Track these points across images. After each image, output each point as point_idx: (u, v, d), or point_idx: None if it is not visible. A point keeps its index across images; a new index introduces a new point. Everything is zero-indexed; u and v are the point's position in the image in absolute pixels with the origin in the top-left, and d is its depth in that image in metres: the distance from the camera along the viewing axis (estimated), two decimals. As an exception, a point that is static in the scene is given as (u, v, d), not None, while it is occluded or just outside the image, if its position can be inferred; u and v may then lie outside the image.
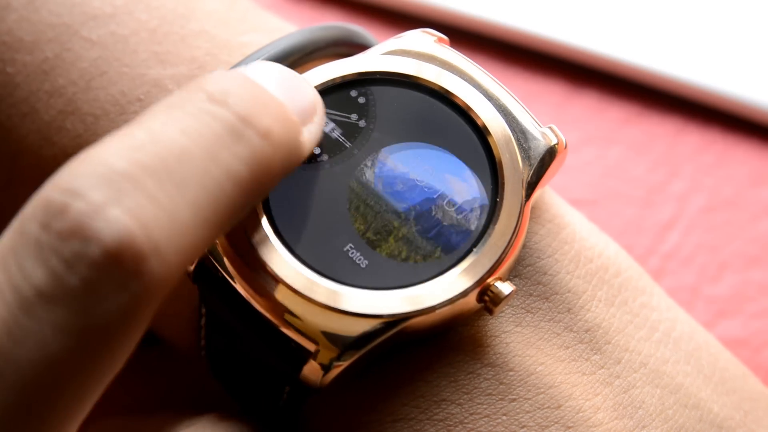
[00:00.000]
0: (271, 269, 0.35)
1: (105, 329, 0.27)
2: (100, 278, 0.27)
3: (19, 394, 0.27)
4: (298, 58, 0.39)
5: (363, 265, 0.35)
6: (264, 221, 0.35)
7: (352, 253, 0.35)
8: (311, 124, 0.34)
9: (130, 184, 0.28)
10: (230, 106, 0.31)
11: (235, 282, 0.35)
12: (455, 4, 0.59)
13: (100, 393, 0.29)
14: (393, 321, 0.35)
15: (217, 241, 0.36)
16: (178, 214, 0.29)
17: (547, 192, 0.39)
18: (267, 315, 0.35)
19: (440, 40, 0.39)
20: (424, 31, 0.39)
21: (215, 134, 0.30)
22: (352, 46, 0.41)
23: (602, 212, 0.55)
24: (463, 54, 0.39)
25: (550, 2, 0.60)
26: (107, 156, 0.29)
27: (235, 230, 0.35)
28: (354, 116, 0.37)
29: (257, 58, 0.38)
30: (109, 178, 0.28)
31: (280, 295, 0.35)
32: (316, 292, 0.34)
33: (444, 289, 0.35)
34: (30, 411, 0.27)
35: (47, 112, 0.40)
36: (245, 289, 0.35)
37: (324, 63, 0.39)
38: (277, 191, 0.36)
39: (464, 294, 0.35)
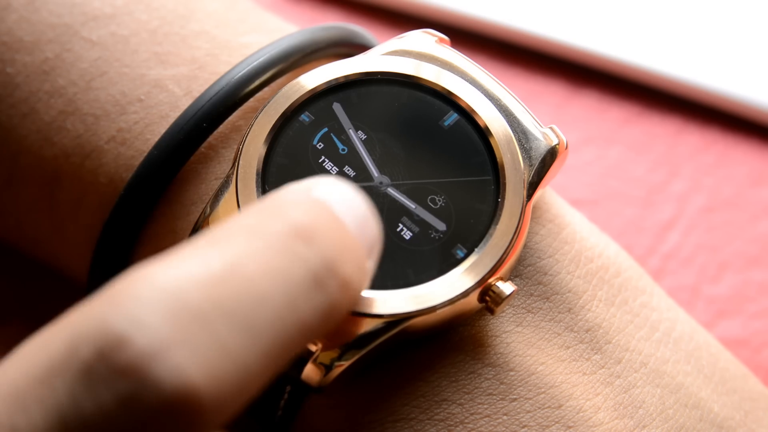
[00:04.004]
0: None
1: None
2: (151, 425, 0.25)
3: None
4: (298, 58, 0.39)
5: None
6: None
7: None
8: (371, 261, 0.32)
9: (200, 325, 0.26)
10: (317, 249, 0.29)
11: None
12: (455, 4, 0.59)
13: None
14: (394, 321, 0.35)
15: None
16: (246, 365, 0.26)
17: (547, 192, 0.40)
18: None
19: (441, 40, 0.39)
20: (425, 32, 0.39)
21: (299, 280, 0.28)
22: (352, 47, 0.41)
23: (602, 212, 0.55)
24: (464, 54, 0.39)
25: (550, 2, 0.60)
26: (179, 285, 0.26)
27: None
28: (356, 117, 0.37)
29: (258, 59, 0.38)
30: (179, 314, 0.26)
31: None
32: None
33: (445, 289, 0.35)
34: None
35: (47, 113, 0.40)
36: None
37: (325, 63, 0.39)
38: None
39: (465, 294, 0.35)
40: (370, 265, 0.31)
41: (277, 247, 0.28)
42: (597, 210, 0.55)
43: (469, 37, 0.60)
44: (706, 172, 0.56)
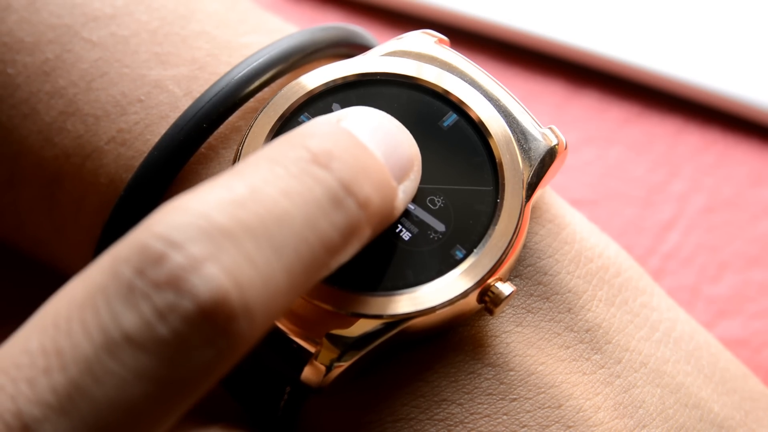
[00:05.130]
0: None
1: (186, 381, 0.28)
2: (190, 332, 0.27)
3: (91, 431, 0.27)
4: (298, 59, 0.39)
5: (364, 266, 0.35)
6: None
7: (356, 256, 0.35)
8: (407, 181, 0.34)
9: (229, 242, 0.28)
10: (334, 171, 0.31)
11: None
12: (455, 5, 0.59)
13: None
14: (394, 321, 0.35)
15: None
16: (272, 278, 0.29)
17: (547, 192, 0.40)
18: None
19: (441, 41, 0.39)
20: (424, 32, 0.39)
21: (316, 200, 0.30)
22: (352, 47, 0.41)
23: (602, 212, 0.55)
24: (464, 54, 0.39)
25: (550, 2, 0.60)
26: (208, 209, 0.29)
27: None
28: None
29: (258, 59, 0.39)
30: (209, 232, 0.28)
31: None
32: (317, 294, 0.34)
33: (445, 289, 0.35)
34: None
35: (48, 113, 0.40)
36: None
37: (325, 64, 0.39)
38: None
39: (465, 295, 0.35)
40: (405, 186, 0.34)
41: (295, 171, 0.30)
42: (597, 210, 0.55)
43: (469, 37, 0.60)
44: (706, 172, 0.56)
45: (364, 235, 0.32)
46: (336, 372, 0.35)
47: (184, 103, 0.39)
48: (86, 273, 0.29)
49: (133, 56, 0.40)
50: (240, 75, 0.38)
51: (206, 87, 0.39)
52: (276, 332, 0.35)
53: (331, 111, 0.37)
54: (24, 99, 0.41)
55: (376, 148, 0.33)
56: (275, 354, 0.36)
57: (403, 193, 0.34)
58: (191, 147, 0.38)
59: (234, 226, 0.28)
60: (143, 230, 0.28)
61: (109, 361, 0.27)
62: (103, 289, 0.28)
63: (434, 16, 0.60)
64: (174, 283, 0.27)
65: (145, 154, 0.38)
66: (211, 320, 0.27)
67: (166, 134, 0.38)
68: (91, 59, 0.40)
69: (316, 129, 0.32)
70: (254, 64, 0.38)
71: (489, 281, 0.35)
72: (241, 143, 0.37)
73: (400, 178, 0.34)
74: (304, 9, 0.61)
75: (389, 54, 0.39)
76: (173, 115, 0.39)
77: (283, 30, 0.42)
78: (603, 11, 0.59)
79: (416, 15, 0.60)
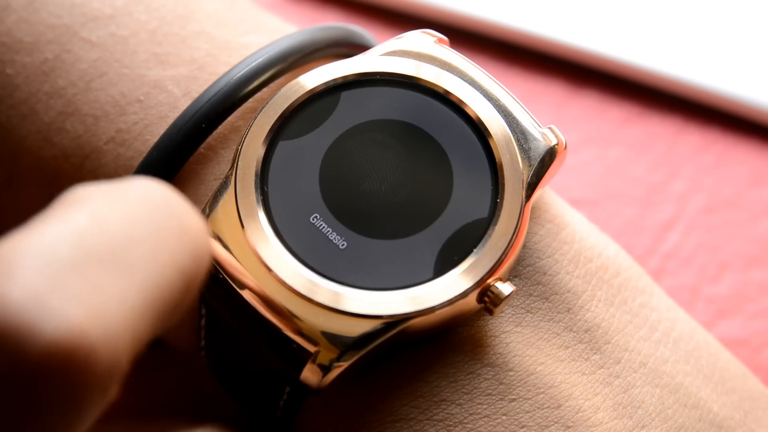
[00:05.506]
0: (272, 270, 0.35)
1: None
2: (42, 381, 0.24)
3: None
4: (297, 58, 0.39)
5: (364, 265, 0.35)
6: (264, 221, 0.35)
7: (354, 258, 0.35)
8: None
9: (74, 272, 0.26)
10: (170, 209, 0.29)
11: (242, 290, 0.35)
12: (455, 5, 0.59)
13: None
14: (393, 321, 0.35)
15: (216, 243, 0.36)
16: (127, 301, 0.26)
17: (547, 192, 0.40)
18: (267, 316, 0.35)
19: (440, 40, 0.39)
20: (423, 32, 0.39)
21: (158, 223, 0.28)
22: (351, 47, 0.41)
23: (602, 212, 0.55)
24: (464, 54, 0.39)
25: (550, 2, 0.60)
26: (48, 242, 0.26)
27: (235, 231, 0.35)
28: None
29: (257, 59, 0.39)
30: (52, 266, 0.25)
31: (281, 296, 0.35)
32: (316, 293, 0.34)
33: (444, 289, 0.35)
34: None
35: (47, 114, 0.40)
36: (252, 297, 0.35)
37: (324, 64, 0.39)
38: (278, 191, 0.36)
39: (464, 295, 0.35)
40: None
41: (133, 201, 0.28)
42: (597, 210, 0.55)
43: (469, 37, 0.60)
44: (706, 172, 0.56)
45: (207, 255, 0.30)
46: (335, 372, 0.35)
47: (183, 104, 0.39)
48: None
49: (132, 56, 0.40)
50: (239, 75, 0.38)
51: (205, 87, 0.39)
52: (275, 332, 0.35)
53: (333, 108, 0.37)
54: (23, 99, 0.41)
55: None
56: (275, 354, 0.36)
57: None
58: (190, 147, 0.38)
59: (79, 256, 0.26)
60: None
61: None
62: None
63: (434, 16, 0.60)
64: (14, 328, 0.24)
65: (144, 155, 0.38)
66: (66, 361, 0.24)
67: (164, 134, 0.38)
68: (90, 59, 0.40)
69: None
70: (253, 64, 0.38)
71: (489, 281, 0.35)
72: (241, 143, 0.37)
73: None
74: (304, 9, 0.61)
75: (389, 53, 0.39)
76: (172, 116, 0.39)
77: (283, 30, 0.42)
78: (603, 11, 0.59)
79: (416, 15, 0.60)
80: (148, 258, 0.27)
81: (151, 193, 0.29)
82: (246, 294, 0.35)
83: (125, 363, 0.26)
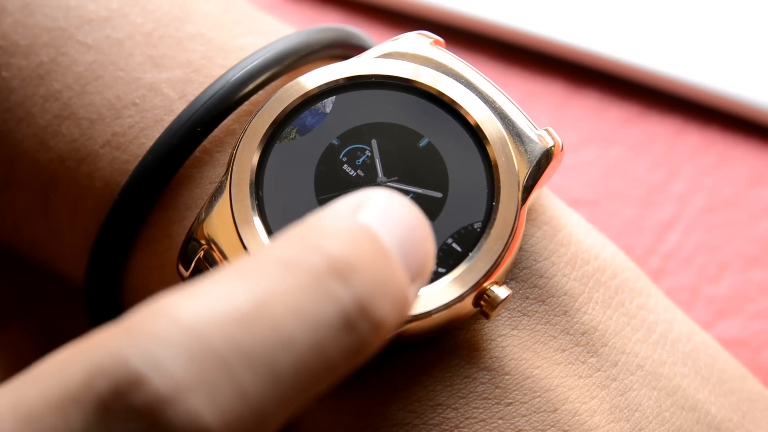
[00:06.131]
0: None
1: None
2: None
3: None
4: (293, 61, 0.39)
5: None
6: (259, 226, 0.35)
7: None
8: (419, 282, 0.30)
9: (219, 369, 0.25)
10: (352, 288, 0.27)
11: None
12: (455, 5, 0.59)
13: None
14: None
15: (214, 247, 0.36)
16: (265, 410, 0.26)
17: (544, 193, 0.39)
18: None
19: (436, 42, 0.39)
20: (420, 34, 0.39)
21: (328, 323, 0.27)
22: (348, 48, 0.41)
23: (602, 212, 0.54)
24: (463, 54, 0.39)
25: (550, 2, 0.59)
26: (201, 324, 0.26)
27: (230, 236, 0.35)
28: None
29: (252, 62, 0.38)
30: (198, 356, 0.25)
31: None
32: None
33: (440, 293, 0.35)
34: None
35: (43, 117, 0.40)
36: None
37: (321, 65, 0.39)
38: (273, 196, 0.36)
39: (460, 299, 0.35)
40: (413, 291, 0.30)
41: (308, 284, 0.27)
42: (597, 210, 0.54)
43: (468, 37, 0.60)
44: (706, 172, 0.56)
45: (369, 354, 0.28)
46: (331, 376, 0.35)
47: (179, 107, 0.39)
48: (63, 364, 0.26)
49: (128, 59, 0.40)
50: (234, 78, 0.38)
51: (201, 90, 0.39)
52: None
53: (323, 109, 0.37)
54: (19, 102, 0.40)
55: (397, 251, 0.29)
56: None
57: (416, 291, 0.30)
58: (186, 151, 0.38)
59: (228, 350, 0.25)
60: (126, 337, 0.26)
61: None
62: (78, 400, 0.25)
63: (434, 16, 0.60)
64: (151, 414, 0.25)
65: (140, 158, 0.38)
66: None
67: (160, 138, 0.38)
68: (86, 62, 0.40)
69: (334, 225, 0.29)
70: (248, 67, 0.38)
71: (485, 285, 0.35)
72: (236, 147, 0.36)
73: (416, 279, 0.30)
74: (303, 9, 0.60)
75: (384, 55, 0.38)
76: (168, 119, 0.39)
77: (279, 31, 0.42)
78: (603, 11, 0.59)
79: (416, 15, 0.60)
80: (299, 364, 0.26)
81: (346, 268, 0.28)
82: None
83: None
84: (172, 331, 0.26)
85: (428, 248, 0.30)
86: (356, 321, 0.27)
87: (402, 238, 0.29)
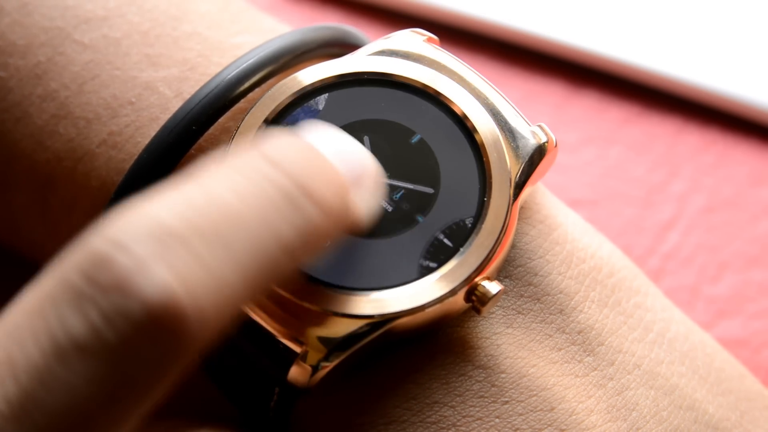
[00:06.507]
0: None
1: (136, 384, 0.27)
2: (137, 335, 0.27)
3: None
4: (289, 59, 0.39)
5: (350, 265, 0.35)
6: None
7: (339, 252, 0.35)
8: (364, 191, 0.34)
9: (178, 242, 0.28)
10: (287, 171, 0.31)
11: None
12: (455, 4, 0.59)
13: None
14: (380, 321, 0.34)
15: None
16: (223, 277, 0.28)
17: (539, 191, 0.39)
18: (253, 316, 0.35)
19: (430, 39, 0.39)
20: (413, 31, 0.39)
21: (270, 199, 0.30)
22: (344, 47, 0.41)
23: (602, 212, 0.54)
24: (463, 54, 0.39)
25: (550, 2, 0.59)
26: (158, 210, 0.28)
27: None
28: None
29: (248, 61, 0.38)
30: (157, 234, 0.28)
31: (270, 298, 0.35)
32: (302, 294, 0.34)
33: (431, 288, 0.35)
34: None
35: (40, 117, 0.40)
36: None
37: (317, 63, 0.39)
38: None
39: (452, 293, 0.35)
40: (363, 195, 0.33)
41: (249, 173, 0.30)
42: (597, 210, 0.54)
43: (468, 37, 0.60)
44: (706, 172, 0.56)
45: (322, 234, 0.31)
46: (323, 372, 0.35)
47: (175, 105, 0.39)
48: (39, 280, 0.28)
49: (125, 58, 0.40)
50: (230, 76, 0.38)
51: (197, 88, 0.39)
52: (263, 333, 0.35)
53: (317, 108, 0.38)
54: (16, 102, 0.41)
55: (331, 155, 0.32)
56: (263, 355, 0.35)
57: (361, 200, 0.33)
58: (181, 149, 0.38)
59: (183, 227, 0.28)
60: (93, 234, 0.28)
61: (59, 368, 0.27)
62: (52, 296, 0.27)
63: (434, 16, 0.60)
64: (120, 286, 0.27)
65: (136, 157, 0.38)
66: (158, 321, 0.27)
67: (155, 137, 0.38)
68: (83, 62, 0.40)
69: (272, 137, 0.32)
70: (244, 65, 0.38)
71: (476, 280, 0.35)
72: (229, 144, 0.37)
73: (356, 185, 0.33)
74: (303, 9, 0.61)
75: (377, 53, 0.38)
76: (164, 117, 0.39)
77: (276, 30, 0.42)
78: (603, 11, 0.59)
79: (415, 15, 0.60)
80: (252, 236, 0.29)
81: (278, 157, 0.31)
82: None
83: (211, 333, 0.28)
84: (133, 219, 0.28)
85: (364, 161, 0.34)
86: (296, 196, 0.30)
87: (334, 148, 0.33)
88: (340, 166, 0.32)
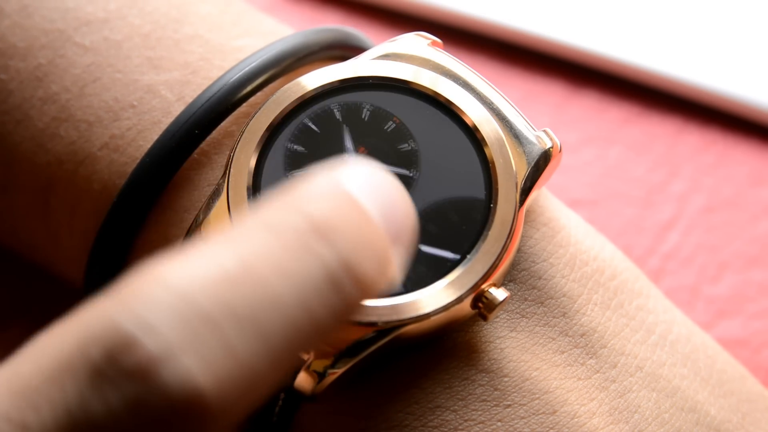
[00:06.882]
0: None
1: None
2: (156, 426, 0.26)
3: None
4: (291, 62, 0.39)
5: None
6: None
7: None
8: (403, 246, 0.31)
9: (210, 329, 0.26)
10: (336, 248, 0.28)
11: None
12: (455, 5, 0.59)
13: None
14: (387, 328, 0.34)
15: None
16: (255, 368, 0.26)
17: (542, 194, 0.39)
18: None
19: (434, 43, 0.39)
20: (417, 35, 0.39)
21: (313, 281, 0.28)
22: (347, 49, 0.41)
23: (602, 212, 0.54)
24: (463, 54, 0.39)
25: (550, 2, 0.59)
26: (190, 287, 0.26)
27: None
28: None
29: (250, 64, 0.38)
30: (188, 318, 0.26)
31: None
32: None
33: (438, 295, 0.35)
34: None
35: (41, 119, 0.40)
36: None
37: (319, 66, 0.39)
38: (270, 191, 0.36)
39: (458, 301, 0.35)
40: (396, 254, 0.30)
41: (292, 244, 0.28)
42: (597, 210, 0.54)
43: (468, 37, 0.60)
44: (706, 172, 0.56)
45: (355, 311, 0.29)
46: (329, 379, 0.35)
47: (177, 108, 0.39)
48: (57, 336, 0.26)
49: (126, 61, 0.40)
50: (232, 80, 0.38)
51: (199, 92, 0.39)
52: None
53: (331, 111, 0.37)
54: (17, 105, 0.40)
55: (377, 214, 0.30)
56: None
57: (399, 257, 0.30)
58: (183, 153, 0.38)
59: (217, 311, 0.26)
60: (116, 304, 0.26)
61: None
62: (72, 369, 0.26)
63: (434, 16, 0.60)
64: (144, 375, 0.25)
65: (138, 161, 0.38)
66: (180, 417, 0.25)
67: (157, 141, 0.38)
68: (84, 64, 0.40)
69: (315, 190, 0.29)
70: (246, 68, 0.38)
71: (483, 287, 0.35)
72: (233, 149, 0.36)
73: (397, 242, 0.30)
74: (303, 9, 0.60)
75: (382, 57, 0.38)
76: (166, 121, 0.39)
77: (277, 32, 0.42)
78: (603, 11, 0.59)
79: (416, 15, 0.60)
80: (287, 322, 0.27)
81: (325, 225, 0.28)
82: None
83: (234, 416, 0.27)
84: (162, 294, 0.26)
85: (408, 212, 0.31)
86: (340, 278, 0.28)
87: (381, 201, 0.30)
88: (387, 227, 0.30)
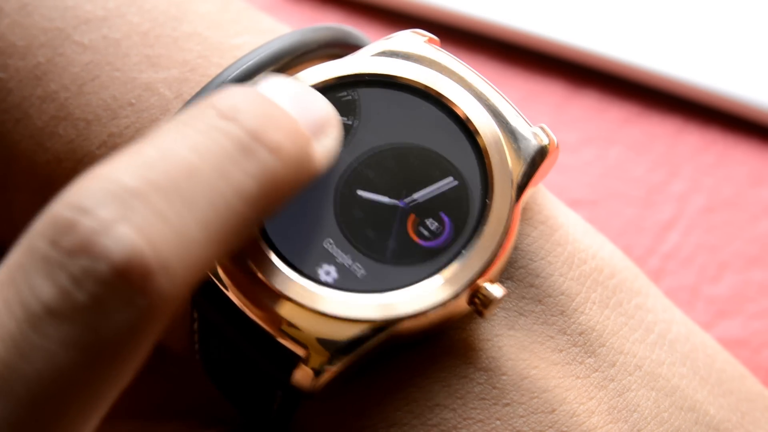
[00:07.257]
0: (265, 279, 0.35)
1: (112, 344, 0.28)
2: (107, 294, 0.27)
3: (28, 408, 0.27)
4: (289, 60, 0.39)
5: (353, 269, 0.35)
6: None
7: (342, 257, 0.35)
8: (324, 138, 0.34)
9: (138, 201, 0.28)
10: (240, 122, 0.31)
11: (227, 290, 0.35)
12: (455, 5, 0.59)
13: (108, 405, 0.29)
14: (384, 325, 0.34)
15: None
16: (186, 232, 0.29)
17: (540, 192, 0.39)
18: (258, 321, 0.35)
19: (430, 40, 0.39)
20: (414, 32, 0.39)
21: (225, 151, 0.30)
22: (345, 47, 0.41)
23: (602, 212, 0.54)
24: (463, 54, 0.39)
25: (550, 2, 0.59)
26: (117, 173, 0.29)
27: None
28: (343, 119, 0.37)
29: (248, 62, 0.38)
30: (118, 194, 0.28)
31: (272, 301, 0.35)
32: (306, 297, 0.34)
33: (435, 292, 0.35)
34: (39, 424, 0.27)
35: (40, 118, 0.40)
36: (237, 297, 0.35)
37: (317, 64, 0.39)
38: None
39: (454, 297, 0.35)
40: (324, 143, 0.34)
41: (202, 128, 0.31)
42: (597, 210, 0.54)
43: (468, 37, 0.60)
44: (706, 172, 0.56)
45: (284, 183, 0.32)
46: (326, 376, 0.35)
47: (175, 106, 0.39)
48: (9, 254, 0.29)
49: (124, 59, 0.40)
50: (230, 78, 0.38)
51: (197, 89, 0.39)
52: (266, 336, 0.35)
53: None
54: (16, 103, 0.40)
55: (286, 104, 0.33)
56: (266, 358, 0.35)
57: (321, 147, 0.34)
58: None
59: (143, 186, 0.29)
60: (56, 203, 0.29)
61: (34, 335, 0.27)
62: (21, 266, 0.28)
63: (434, 16, 0.60)
64: (86, 248, 0.27)
65: None
66: (127, 279, 0.27)
67: None
68: (83, 63, 0.40)
69: (224, 90, 0.32)
70: (244, 66, 0.38)
71: (479, 283, 0.35)
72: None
73: (315, 133, 0.33)
74: (304, 9, 0.60)
75: (378, 54, 0.38)
76: (164, 119, 0.39)
77: (276, 30, 0.42)
78: (603, 11, 0.59)
79: (416, 15, 0.60)
80: (209, 190, 0.29)
81: (230, 109, 0.31)
82: (234, 296, 0.35)
83: (181, 291, 0.29)
84: (93, 183, 0.29)
85: (323, 109, 0.34)
86: (251, 145, 0.31)
87: (289, 96, 0.33)
88: (296, 113, 0.33)
